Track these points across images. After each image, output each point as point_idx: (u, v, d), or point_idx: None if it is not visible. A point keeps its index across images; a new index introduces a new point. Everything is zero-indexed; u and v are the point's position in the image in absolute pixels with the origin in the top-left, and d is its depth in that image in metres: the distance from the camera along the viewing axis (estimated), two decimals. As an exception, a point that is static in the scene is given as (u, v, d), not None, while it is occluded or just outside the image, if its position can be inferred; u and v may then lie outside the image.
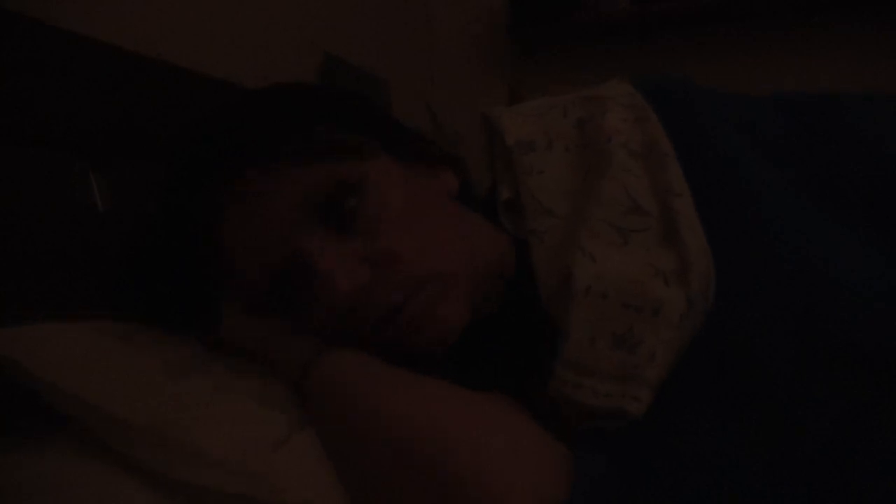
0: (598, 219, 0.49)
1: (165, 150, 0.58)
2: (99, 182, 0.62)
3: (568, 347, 0.46)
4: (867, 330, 0.43)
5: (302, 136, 0.53)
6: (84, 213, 0.62)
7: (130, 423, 0.46)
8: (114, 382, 0.49)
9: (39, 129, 0.61)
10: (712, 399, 0.43)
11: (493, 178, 0.63)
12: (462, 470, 0.42)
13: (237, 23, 1.02)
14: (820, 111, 0.58)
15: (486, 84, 1.89)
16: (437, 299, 0.51)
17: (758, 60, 1.77)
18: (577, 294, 0.46)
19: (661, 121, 0.56)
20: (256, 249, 0.52)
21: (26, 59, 0.60)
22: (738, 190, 0.52)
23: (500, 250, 0.58)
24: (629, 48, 1.83)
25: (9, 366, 0.49)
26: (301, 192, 0.51)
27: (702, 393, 0.44)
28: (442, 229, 0.55)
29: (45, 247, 0.58)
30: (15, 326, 0.51)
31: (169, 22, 0.87)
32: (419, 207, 0.55)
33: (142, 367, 0.52)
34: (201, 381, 0.51)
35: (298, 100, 0.57)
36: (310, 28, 1.23)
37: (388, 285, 0.50)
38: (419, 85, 1.76)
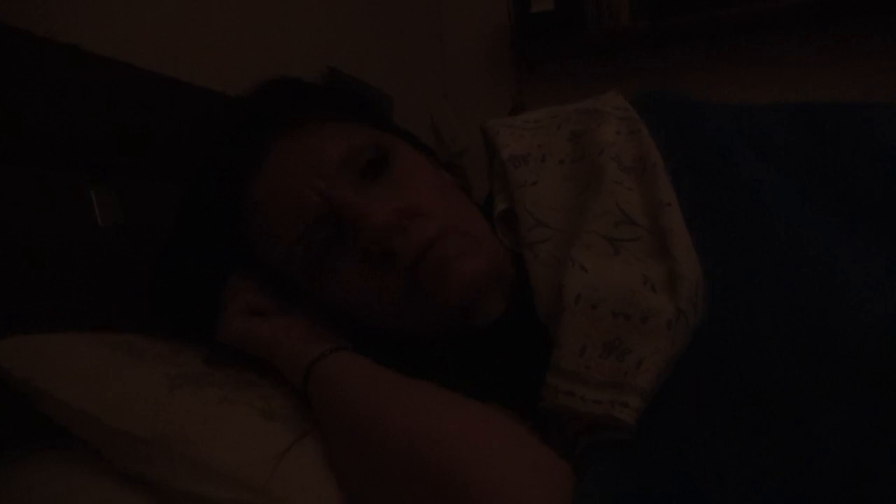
0: (589, 231, 0.50)
1: (168, 165, 0.59)
2: (99, 197, 0.63)
3: (559, 356, 0.46)
4: (877, 342, 0.42)
5: (353, 100, 0.61)
6: (84, 227, 0.62)
7: (133, 434, 0.47)
8: (115, 393, 0.49)
9: (39, 145, 0.61)
10: (719, 408, 0.43)
11: (490, 189, 0.63)
12: (460, 469, 0.42)
13: (240, 37, 1.03)
14: (836, 118, 0.58)
15: (490, 97, 1.90)
16: (463, 248, 0.52)
17: (760, 73, 1.77)
18: (568, 304, 0.46)
19: (660, 124, 0.57)
20: (294, 197, 0.53)
21: (25, 74, 0.61)
22: (744, 198, 0.52)
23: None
24: (631, 62, 1.84)
25: (7, 377, 0.49)
26: (345, 147, 0.54)
27: (708, 402, 0.43)
28: (463, 206, 0.58)
29: (44, 261, 0.58)
30: (13, 337, 0.51)
31: (171, 37, 0.88)
32: (440, 185, 0.58)
33: (143, 378, 0.52)
34: (202, 392, 0.52)
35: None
36: (314, 43, 1.24)
37: (418, 228, 0.52)
38: (423, 99, 1.77)
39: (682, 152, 0.56)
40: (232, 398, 0.52)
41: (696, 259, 0.47)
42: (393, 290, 0.52)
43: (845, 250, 0.48)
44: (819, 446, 0.40)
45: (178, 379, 0.52)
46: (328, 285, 0.54)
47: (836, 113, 0.58)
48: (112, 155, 0.67)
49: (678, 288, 0.45)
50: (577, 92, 1.94)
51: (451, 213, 0.55)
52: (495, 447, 0.44)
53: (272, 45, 1.09)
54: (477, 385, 0.54)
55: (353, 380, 0.50)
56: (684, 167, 0.54)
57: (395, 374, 0.50)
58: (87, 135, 0.65)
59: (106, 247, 0.63)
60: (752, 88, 1.69)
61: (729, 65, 1.79)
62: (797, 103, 0.62)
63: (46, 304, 0.57)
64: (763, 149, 0.56)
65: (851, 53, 1.72)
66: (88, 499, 0.47)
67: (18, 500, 0.47)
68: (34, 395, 0.49)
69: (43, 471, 0.49)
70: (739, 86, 1.72)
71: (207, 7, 0.97)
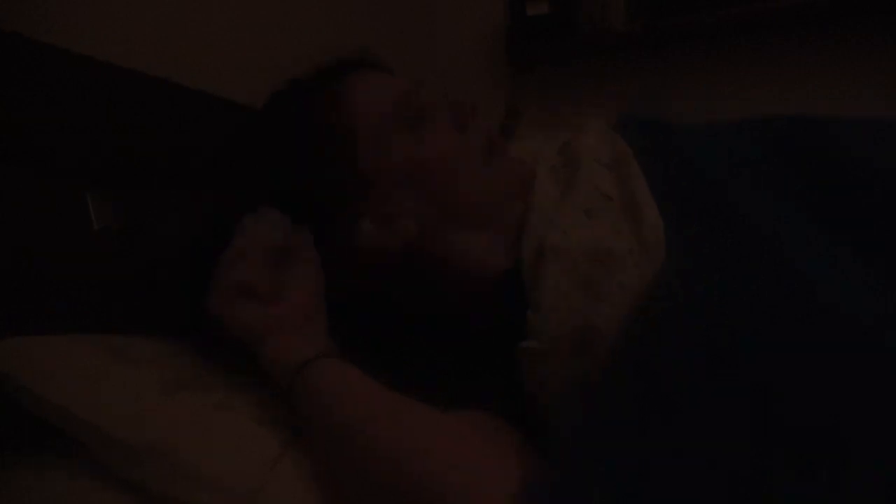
0: (570, 209, 0.58)
1: (165, 169, 0.59)
2: (94, 201, 0.63)
3: (538, 295, 0.53)
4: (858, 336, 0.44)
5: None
6: (79, 231, 0.62)
7: (127, 440, 0.47)
8: (110, 398, 0.50)
9: (35, 148, 0.61)
10: (719, 406, 0.44)
11: None
12: (451, 485, 0.44)
13: (239, 37, 1.03)
14: (805, 133, 0.62)
15: (487, 98, 1.89)
16: None
17: (759, 74, 1.77)
18: (547, 254, 0.54)
19: (641, 136, 0.65)
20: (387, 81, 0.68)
21: (22, 77, 0.61)
22: (725, 206, 0.56)
23: None
24: (630, 62, 1.84)
25: (4, 378, 0.49)
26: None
27: (707, 398, 0.44)
28: None
29: (40, 264, 0.58)
30: (8, 339, 0.51)
31: (170, 37, 0.88)
32: None
33: (138, 382, 0.52)
34: (196, 398, 0.52)
35: None
36: (313, 43, 1.24)
37: None
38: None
39: (663, 163, 0.62)
40: (226, 404, 0.52)
41: (657, 210, 0.56)
42: (475, 151, 0.65)
43: (818, 253, 0.50)
44: (780, 414, 0.42)
45: (173, 383, 0.53)
46: (420, 147, 0.63)
47: (804, 127, 0.63)
48: (109, 158, 0.68)
49: (642, 229, 0.54)
50: (573, 94, 1.91)
51: None
52: (486, 466, 0.46)
53: (271, 45, 1.09)
54: (473, 387, 0.55)
55: (345, 394, 0.51)
56: (669, 178, 0.60)
57: (383, 388, 0.51)
58: (84, 138, 0.66)
59: (101, 251, 0.63)
60: (752, 88, 1.69)
61: (728, 65, 1.79)
62: (760, 118, 0.67)
63: (42, 307, 0.57)
64: (736, 160, 0.61)
65: (851, 53, 1.72)
66: (87, 502, 0.47)
67: (18, 501, 0.48)
68: (30, 397, 0.50)
69: (43, 472, 0.50)
70: (739, 85, 1.72)
71: (205, 8, 0.97)
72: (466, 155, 0.64)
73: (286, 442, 0.50)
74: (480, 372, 0.60)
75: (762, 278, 0.49)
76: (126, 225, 0.64)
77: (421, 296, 0.65)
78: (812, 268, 0.49)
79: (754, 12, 1.69)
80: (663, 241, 0.53)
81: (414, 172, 0.62)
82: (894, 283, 0.47)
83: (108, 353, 0.54)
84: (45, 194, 0.60)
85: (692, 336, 0.47)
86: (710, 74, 1.79)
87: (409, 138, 0.63)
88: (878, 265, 0.49)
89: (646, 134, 0.66)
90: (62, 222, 0.61)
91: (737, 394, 0.44)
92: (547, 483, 0.43)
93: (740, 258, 0.52)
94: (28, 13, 0.65)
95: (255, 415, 0.52)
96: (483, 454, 0.48)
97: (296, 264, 0.58)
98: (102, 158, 0.66)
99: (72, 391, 0.49)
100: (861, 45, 1.71)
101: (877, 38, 1.70)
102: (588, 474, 0.43)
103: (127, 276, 0.63)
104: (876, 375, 0.42)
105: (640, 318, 0.50)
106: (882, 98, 1.58)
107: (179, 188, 0.71)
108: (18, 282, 0.55)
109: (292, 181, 0.62)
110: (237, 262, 0.56)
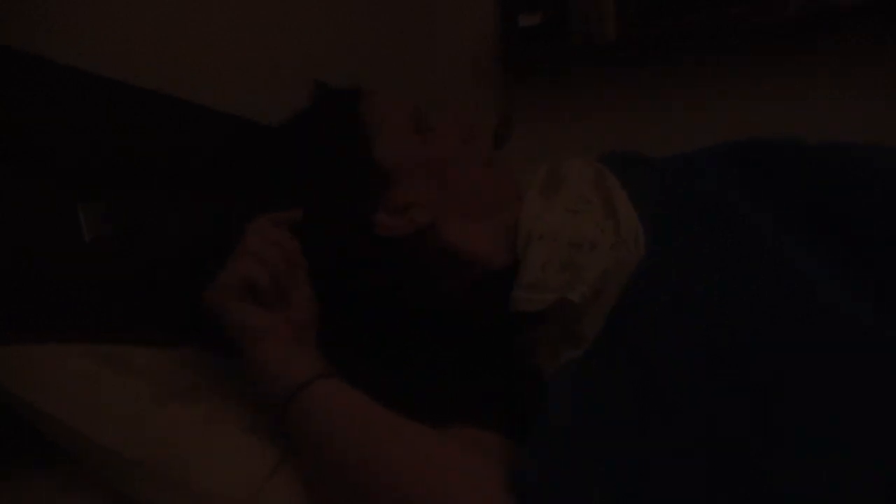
0: (555, 208, 0.64)
1: (156, 180, 0.59)
2: (85, 211, 0.62)
3: (523, 273, 0.58)
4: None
5: None
6: (70, 241, 0.61)
7: (119, 453, 0.47)
8: (101, 409, 0.50)
9: (27, 158, 0.61)
10: (710, 405, 0.44)
11: None
12: (433, 484, 0.47)
13: (238, 37, 1.03)
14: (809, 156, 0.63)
15: (483, 107, 1.90)
16: None
17: (754, 79, 1.77)
18: (533, 239, 0.60)
19: (631, 163, 0.72)
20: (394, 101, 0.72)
21: (16, 87, 0.61)
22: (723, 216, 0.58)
23: None
24: (619, 72, 1.84)
25: None
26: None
27: (701, 396, 0.45)
28: None
29: (31, 274, 0.57)
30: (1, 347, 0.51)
31: (160, 52, 0.87)
32: None
33: (130, 393, 0.52)
34: (189, 409, 0.52)
35: None
36: (313, 44, 1.24)
37: None
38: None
39: (659, 175, 0.67)
40: (218, 415, 0.52)
41: (635, 213, 0.62)
42: (481, 152, 0.73)
43: (818, 252, 0.52)
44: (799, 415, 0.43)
45: (165, 393, 0.52)
46: (433, 147, 0.69)
47: (799, 138, 0.65)
48: (99, 169, 0.67)
49: (620, 229, 0.59)
50: (571, 100, 1.90)
51: None
52: (481, 465, 0.48)
53: (270, 46, 1.09)
54: (473, 386, 0.55)
55: (347, 418, 0.51)
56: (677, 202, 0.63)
57: (380, 407, 0.51)
58: (75, 148, 0.65)
59: (98, 253, 0.62)
60: (751, 88, 1.69)
61: (720, 75, 1.79)
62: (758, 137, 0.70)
63: (38, 309, 0.56)
64: (736, 158, 0.64)
65: (853, 57, 1.72)
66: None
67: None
68: (23, 407, 0.49)
69: (37, 483, 0.50)
70: (738, 87, 1.72)
71: (205, 8, 0.97)
72: (473, 154, 0.71)
73: (281, 454, 0.50)
74: (481, 371, 0.60)
75: (762, 278, 0.50)
76: (121, 232, 0.64)
77: (426, 291, 0.67)
78: (812, 268, 0.49)
79: (752, 14, 1.68)
80: (642, 239, 0.59)
81: (428, 168, 0.67)
82: (894, 283, 0.47)
83: (100, 361, 0.54)
84: (44, 195, 0.60)
85: (692, 336, 0.47)
86: (708, 78, 1.79)
87: (423, 140, 0.69)
88: (878, 265, 0.49)
89: (634, 158, 0.73)
90: (60, 224, 0.61)
91: (737, 394, 0.44)
92: (534, 468, 0.44)
93: (740, 258, 0.52)
94: (28, 13, 0.65)
95: (249, 425, 0.52)
96: (474, 458, 0.49)
97: (298, 276, 0.58)
98: (93, 170, 0.66)
99: (63, 400, 0.49)
100: (861, 46, 1.71)
101: (877, 39, 1.70)
102: (588, 474, 0.43)
103: (124, 280, 0.63)
104: (876, 375, 0.42)
105: (633, 313, 0.52)
106: (882, 98, 1.57)
107: (179, 190, 0.71)
108: (15, 284, 0.55)
109: (320, 177, 0.66)
110: (246, 259, 0.55)
